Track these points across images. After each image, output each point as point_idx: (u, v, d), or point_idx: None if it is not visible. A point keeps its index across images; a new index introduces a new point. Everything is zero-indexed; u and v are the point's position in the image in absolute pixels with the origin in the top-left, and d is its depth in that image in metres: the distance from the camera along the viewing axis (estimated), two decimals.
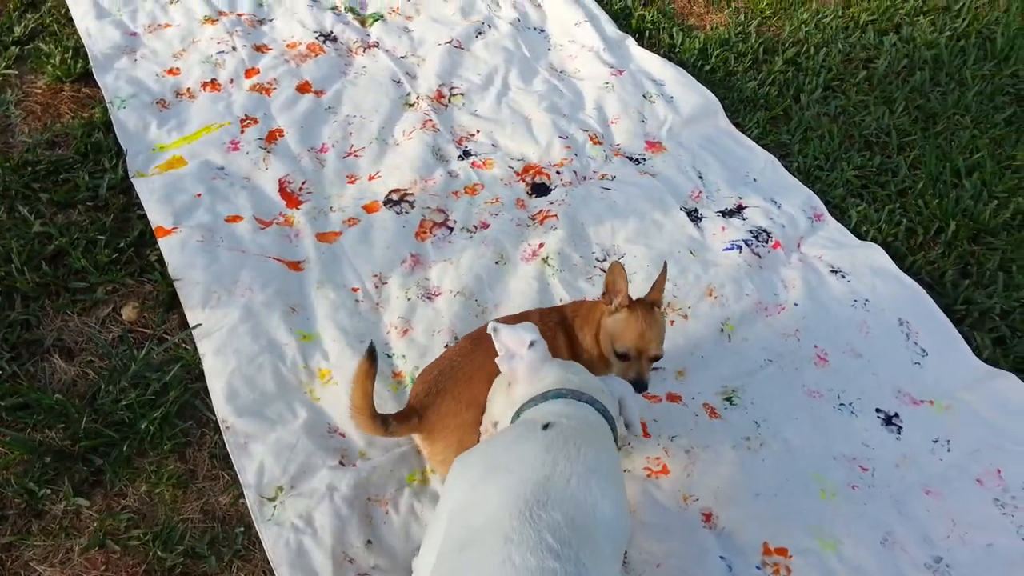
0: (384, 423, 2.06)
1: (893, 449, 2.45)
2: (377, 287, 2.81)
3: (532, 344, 1.89)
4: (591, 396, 1.82)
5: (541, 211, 3.10)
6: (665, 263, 2.28)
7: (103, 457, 2.29)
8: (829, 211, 3.18)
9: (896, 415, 2.54)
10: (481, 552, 1.37)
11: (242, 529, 2.18)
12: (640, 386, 2.09)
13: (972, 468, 2.41)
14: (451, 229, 3.02)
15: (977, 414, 2.53)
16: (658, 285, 2.19)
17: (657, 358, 2.14)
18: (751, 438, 2.44)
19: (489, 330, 1.92)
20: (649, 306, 2.15)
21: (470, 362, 2.13)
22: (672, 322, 2.75)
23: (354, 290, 2.79)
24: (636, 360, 2.11)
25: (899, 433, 2.49)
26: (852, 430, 2.49)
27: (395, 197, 3.11)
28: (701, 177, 3.30)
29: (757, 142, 3.49)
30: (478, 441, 2.04)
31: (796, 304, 2.83)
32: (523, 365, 1.90)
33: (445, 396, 2.09)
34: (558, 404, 1.77)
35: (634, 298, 2.17)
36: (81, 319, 2.62)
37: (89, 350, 2.54)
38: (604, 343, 2.14)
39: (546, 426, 1.64)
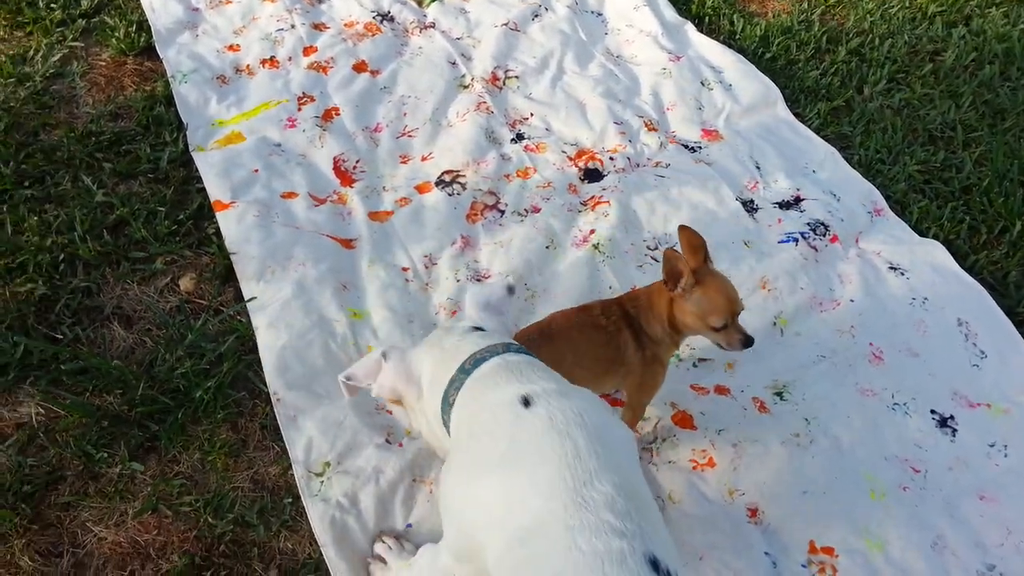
0: None
1: (947, 452, 2.39)
2: (427, 267, 2.82)
3: (384, 356, 1.77)
4: (501, 341, 1.69)
5: (593, 197, 3.08)
6: (682, 227, 2.15)
7: (158, 423, 2.34)
8: (890, 206, 3.11)
9: (951, 417, 2.48)
10: (546, 542, 1.35)
11: (290, 500, 2.22)
12: (750, 341, 2.09)
13: None
14: (502, 212, 3.02)
15: None
16: (686, 244, 2.11)
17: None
18: (800, 435, 2.40)
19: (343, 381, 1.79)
20: (709, 270, 2.11)
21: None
22: None
23: (404, 270, 2.81)
24: (733, 324, 2.08)
25: (954, 436, 2.43)
26: (905, 431, 2.43)
27: (447, 178, 3.12)
28: (758, 167, 3.25)
29: (817, 133, 3.41)
30: None
31: (852, 300, 2.77)
32: (392, 374, 1.75)
33: None
34: (491, 369, 1.61)
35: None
36: (140, 288, 2.68)
37: (147, 319, 2.60)
38: (694, 324, 2.09)
39: (527, 403, 1.50)
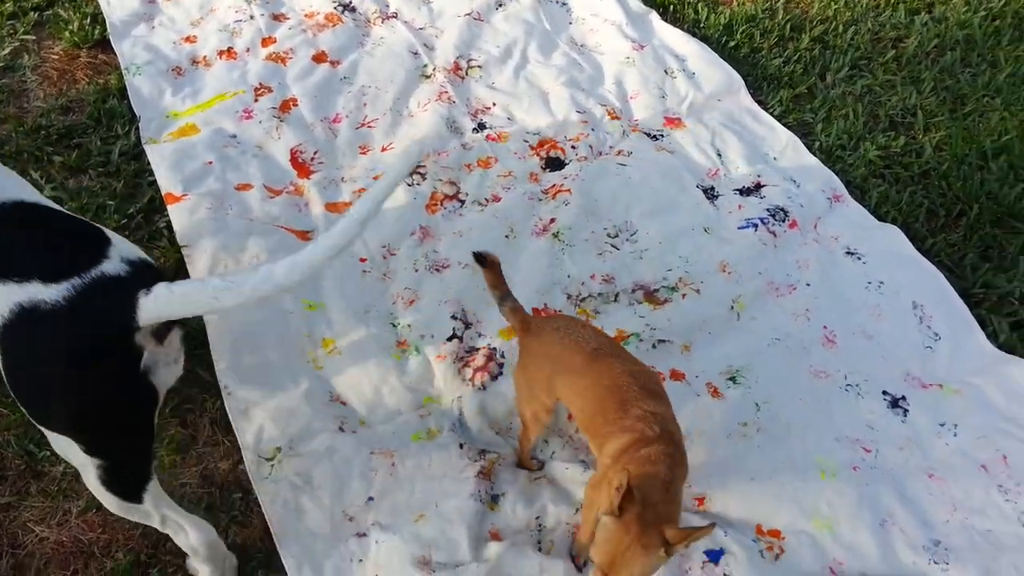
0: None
1: (898, 432, 2.40)
2: (385, 258, 2.80)
3: None
4: None
5: (554, 185, 3.06)
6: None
7: None
8: (850, 191, 3.11)
9: (903, 398, 2.48)
10: None
11: (240, 495, 2.20)
12: None
13: (978, 454, 2.35)
14: (462, 202, 3.00)
15: (987, 399, 2.46)
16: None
17: None
18: (749, 423, 2.39)
19: None
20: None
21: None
22: (684, 295, 2.71)
23: (362, 260, 2.78)
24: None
25: (905, 416, 2.44)
26: (857, 411, 2.44)
27: None
28: (720, 155, 3.24)
29: (779, 120, 3.41)
30: None
31: (808, 285, 2.77)
32: None
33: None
34: None
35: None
36: None
37: None
38: None
39: None
